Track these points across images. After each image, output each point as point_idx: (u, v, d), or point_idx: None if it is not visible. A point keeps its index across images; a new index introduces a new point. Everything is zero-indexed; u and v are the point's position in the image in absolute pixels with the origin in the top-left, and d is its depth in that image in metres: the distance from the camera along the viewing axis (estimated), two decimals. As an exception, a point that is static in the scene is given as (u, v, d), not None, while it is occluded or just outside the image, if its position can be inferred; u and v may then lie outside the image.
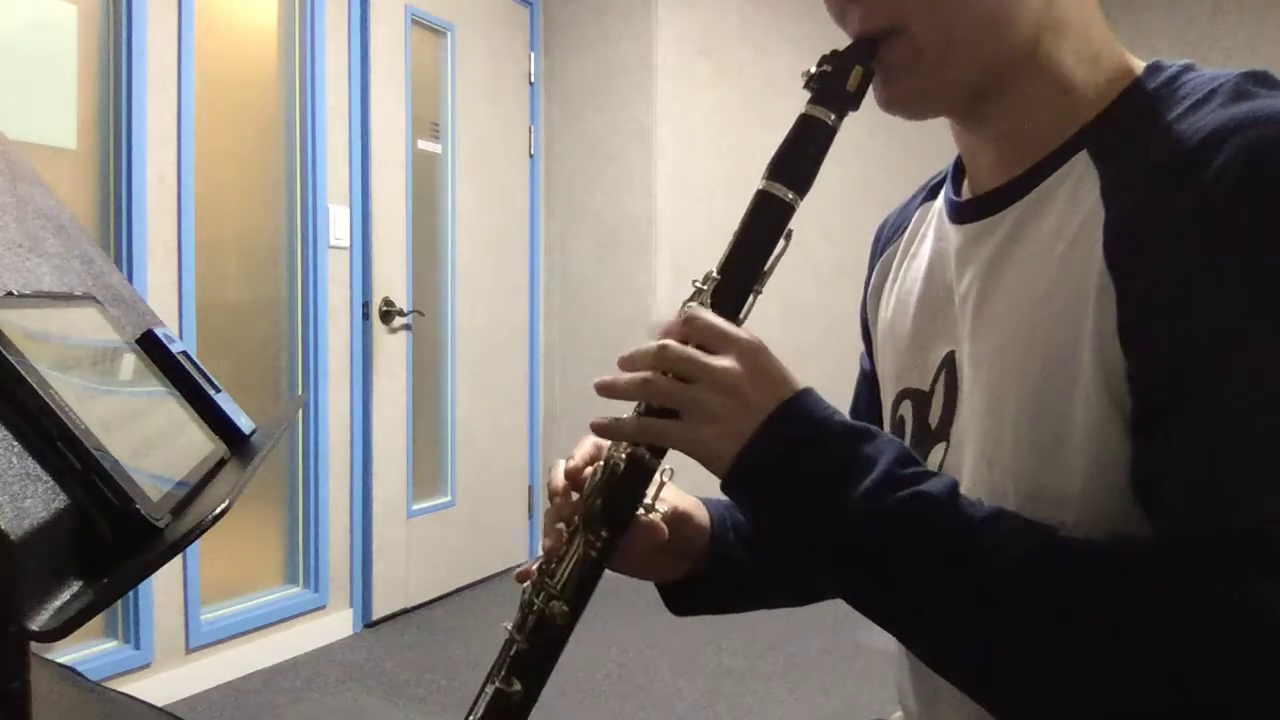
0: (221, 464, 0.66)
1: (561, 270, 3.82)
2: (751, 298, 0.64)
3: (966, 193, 0.70)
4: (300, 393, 2.92)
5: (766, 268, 0.63)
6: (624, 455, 0.64)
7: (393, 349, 3.17)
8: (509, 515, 3.76)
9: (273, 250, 2.88)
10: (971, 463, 0.63)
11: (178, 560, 2.47)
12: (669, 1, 3.54)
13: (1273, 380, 0.48)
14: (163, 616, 2.50)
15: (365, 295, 3.07)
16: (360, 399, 3.08)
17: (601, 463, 0.66)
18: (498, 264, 3.64)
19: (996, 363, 0.62)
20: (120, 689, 1.24)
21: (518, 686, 0.64)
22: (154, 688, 2.44)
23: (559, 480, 0.70)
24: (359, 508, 3.09)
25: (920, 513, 0.54)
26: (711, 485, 0.62)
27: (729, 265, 0.63)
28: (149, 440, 0.58)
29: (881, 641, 0.70)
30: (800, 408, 0.58)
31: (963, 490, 0.56)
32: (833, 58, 0.62)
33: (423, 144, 3.30)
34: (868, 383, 0.84)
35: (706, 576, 0.78)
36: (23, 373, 0.47)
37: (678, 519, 0.75)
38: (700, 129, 3.64)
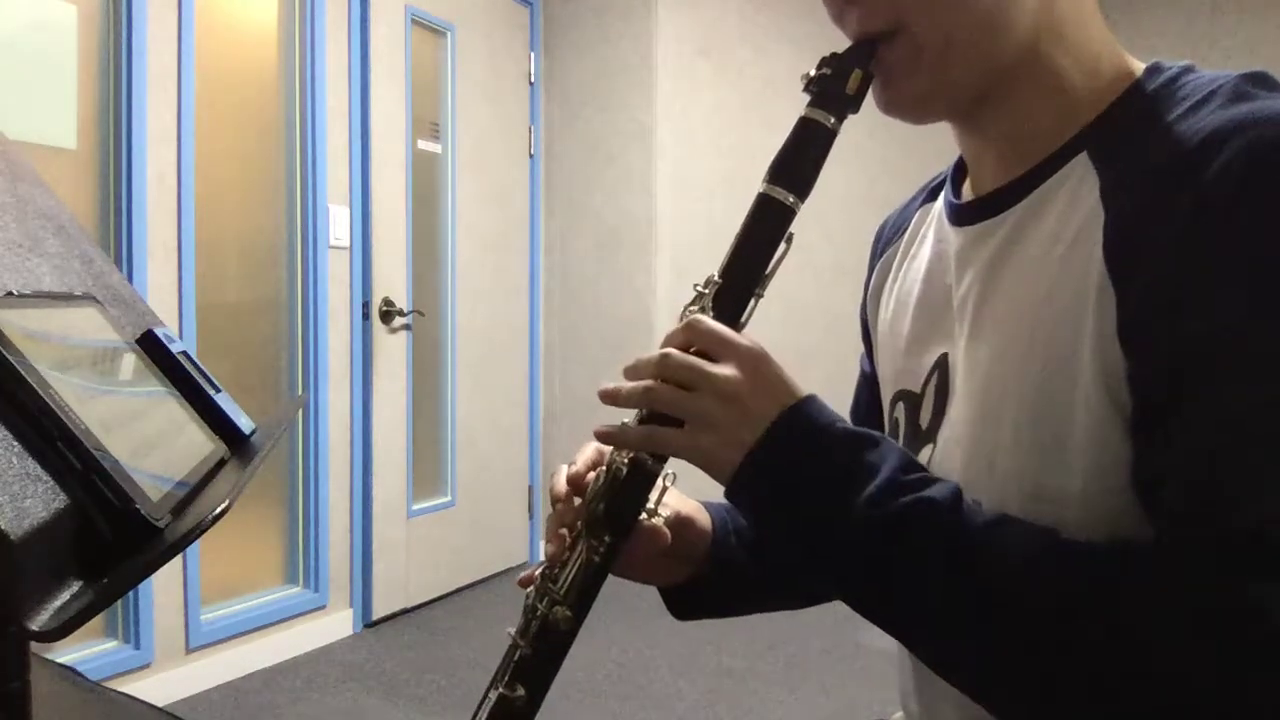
0: (221, 464, 0.66)
1: (561, 270, 3.82)
2: (753, 301, 0.64)
3: (967, 194, 0.70)
4: (300, 393, 2.92)
5: (768, 271, 0.63)
6: (626, 460, 0.64)
7: (393, 349, 3.17)
8: (509, 515, 3.76)
9: (273, 250, 2.88)
10: (964, 464, 0.63)
11: (178, 560, 2.47)
12: (669, 1, 3.54)
13: (1272, 381, 0.48)
14: (163, 616, 2.50)
15: (365, 295, 3.07)
16: (360, 399, 3.08)
17: (604, 468, 0.66)
18: (498, 264, 3.64)
19: (996, 364, 0.62)
20: (120, 689, 1.24)
21: (521, 692, 0.64)
22: (154, 688, 2.44)
23: (561, 485, 0.70)
24: (359, 508, 3.09)
25: (923, 518, 0.54)
26: (714, 489, 0.62)
27: (730, 269, 0.63)
28: (149, 440, 0.58)
29: (881, 642, 0.70)
30: (802, 415, 0.58)
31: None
32: (832, 60, 0.62)
33: (423, 144, 3.30)
34: (868, 384, 0.84)
35: (709, 580, 0.78)
36: (23, 373, 0.47)
37: (680, 524, 0.75)
38: (700, 129, 3.64)
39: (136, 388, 0.65)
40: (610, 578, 0.66)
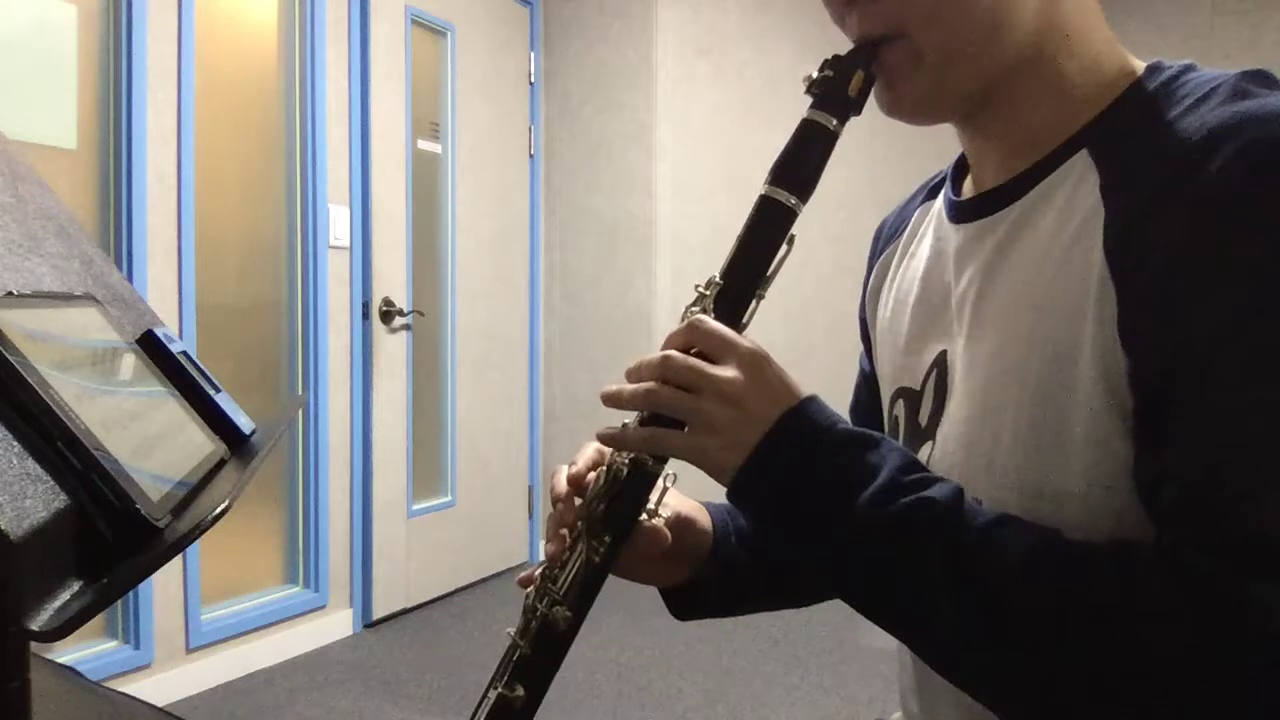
0: (221, 464, 0.66)
1: (561, 270, 3.82)
2: (755, 302, 0.64)
3: (966, 192, 0.70)
4: (300, 393, 2.92)
5: (769, 272, 0.64)
6: (627, 461, 0.64)
7: (393, 349, 3.17)
8: (509, 515, 3.76)
9: (273, 250, 2.88)
10: (963, 462, 0.63)
11: (178, 560, 2.47)
12: (669, 1, 3.54)
13: (1273, 380, 0.48)
14: (163, 616, 2.50)
15: (365, 295, 3.07)
16: (360, 399, 3.08)
17: (604, 468, 0.66)
18: (498, 264, 3.64)
19: (995, 362, 0.62)
20: (120, 689, 1.24)
21: (520, 692, 0.64)
22: (154, 688, 2.44)
23: (562, 485, 0.70)
24: (359, 508, 3.09)
25: (923, 518, 0.54)
26: (715, 489, 0.62)
27: (732, 270, 0.63)
28: (149, 440, 0.58)
29: (882, 642, 0.70)
30: (803, 416, 0.58)
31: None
32: (834, 62, 0.62)
33: (423, 144, 3.30)
34: (867, 383, 0.84)
35: (709, 581, 0.78)
36: (23, 373, 0.47)
37: (680, 524, 0.75)
38: (700, 129, 3.64)
39: (136, 388, 0.65)
40: (610, 577, 0.66)
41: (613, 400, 0.62)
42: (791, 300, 3.65)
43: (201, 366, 0.75)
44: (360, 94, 3.03)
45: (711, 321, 0.61)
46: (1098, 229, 0.55)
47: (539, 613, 0.65)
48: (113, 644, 2.45)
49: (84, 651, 2.36)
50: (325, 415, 2.95)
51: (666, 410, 0.60)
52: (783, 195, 0.63)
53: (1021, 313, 0.60)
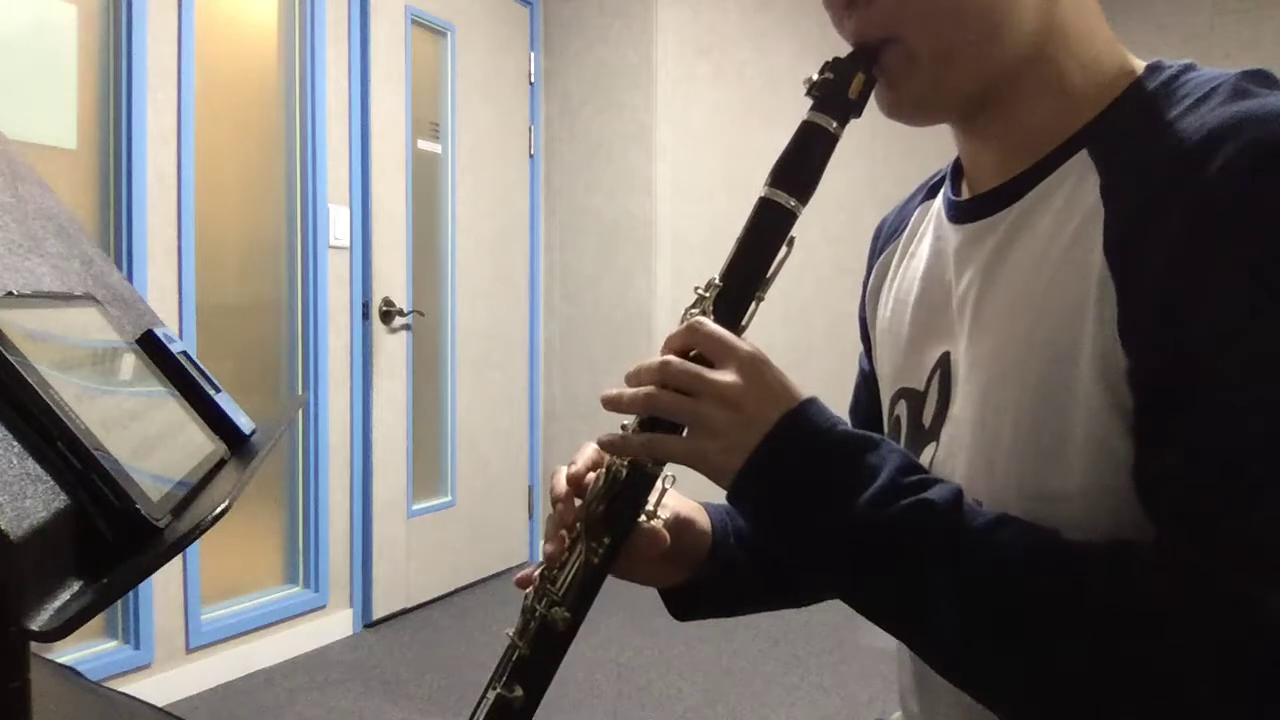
0: (221, 464, 0.66)
1: (561, 270, 3.82)
2: (754, 304, 0.64)
3: (965, 192, 0.70)
4: (300, 393, 2.92)
5: (769, 275, 0.64)
6: (626, 462, 0.64)
7: (393, 349, 3.17)
8: (509, 515, 3.76)
9: (273, 250, 2.88)
10: (966, 463, 0.63)
11: (178, 560, 2.48)
12: (669, 1, 3.54)
13: (1272, 380, 0.48)
14: (163, 616, 2.50)
15: (365, 295, 3.07)
16: (360, 399, 3.08)
17: (604, 469, 0.66)
18: (498, 264, 3.64)
19: (996, 362, 0.62)
20: (120, 689, 1.24)
21: (519, 692, 0.64)
22: (154, 688, 2.44)
23: (561, 486, 0.70)
24: (359, 508, 3.09)
25: (923, 520, 0.54)
26: (713, 490, 0.62)
27: (731, 272, 0.64)
28: (149, 440, 0.58)
29: (882, 642, 0.70)
30: (802, 419, 0.58)
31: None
32: (834, 65, 0.63)
33: (423, 144, 3.30)
34: (867, 383, 0.84)
35: (709, 581, 0.78)
36: (23, 373, 0.47)
37: (679, 525, 0.75)
38: (700, 129, 3.64)
39: (136, 388, 0.65)
40: (610, 577, 0.66)
41: (612, 404, 0.62)
42: (791, 301, 3.65)
43: (201, 366, 0.75)
44: (360, 94, 3.03)
45: (711, 324, 0.61)
46: (1097, 229, 0.55)
47: (537, 613, 0.65)
48: (113, 644, 2.45)
49: (84, 651, 2.36)
50: (325, 415, 2.95)
51: (666, 414, 0.60)
52: (782, 197, 0.63)
53: (1021, 313, 0.60)
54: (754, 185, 0.64)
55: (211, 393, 0.73)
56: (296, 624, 2.88)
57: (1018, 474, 0.59)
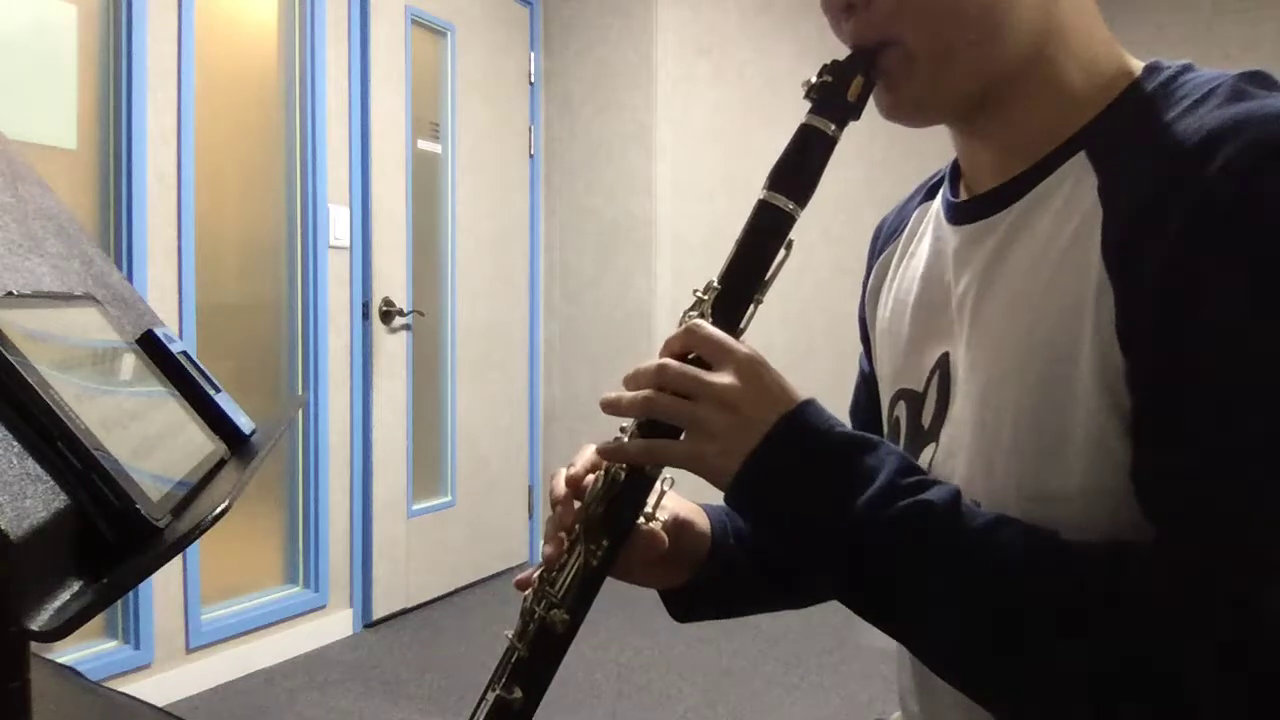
0: (221, 464, 0.66)
1: (561, 270, 3.82)
2: (752, 307, 0.64)
3: (964, 193, 0.70)
4: (300, 393, 2.92)
5: (767, 277, 0.64)
6: (625, 464, 0.64)
7: (393, 349, 3.17)
8: (509, 515, 3.76)
9: (273, 250, 2.88)
10: (965, 464, 0.63)
11: (178, 560, 2.48)
12: (669, 1, 3.54)
13: (1272, 380, 0.48)
14: (163, 616, 2.50)
15: (365, 295, 3.07)
16: (360, 399, 3.08)
17: (602, 471, 0.66)
18: (498, 264, 3.64)
19: (995, 363, 0.62)
20: (120, 689, 1.24)
21: (518, 694, 0.64)
22: (154, 688, 2.44)
23: (560, 488, 0.70)
24: (359, 508, 3.09)
25: (922, 521, 0.54)
26: (712, 491, 0.62)
27: (729, 275, 0.64)
28: (149, 440, 0.58)
29: (881, 642, 0.70)
30: (800, 421, 0.58)
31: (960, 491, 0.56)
32: (833, 68, 0.63)
33: (423, 144, 3.30)
34: (867, 384, 0.84)
35: (708, 583, 0.78)
36: (23, 373, 0.47)
37: (678, 527, 0.75)
38: (700, 129, 3.64)
39: (136, 388, 0.65)
40: (610, 578, 0.66)
41: (611, 407, 0.63)
42: (791, 302, 3.65)
43: (201, 366, 0.75)
44: (360, 94, 3.03)
45: (709, 327, 0.61)
46: (1096, 231, 0.55)
47: (536, 615, 0.65)
48: (113, 644, 2.45)
49: (84, 651, 2.36)
50: (325, 415, 2.95)
51: (664, 417, 0.61)
52: (781, 200, 0.63)
53: (1020, 314, 0.60)
54: (754, 185, 0.64)
55: (211, 393, 0.73)
56: (296, 624, 2.88)
57: (1017, 475, 0.59)
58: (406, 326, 3.21)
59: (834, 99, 0.62)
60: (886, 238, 0.82)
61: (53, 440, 0.46)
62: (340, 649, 2.94)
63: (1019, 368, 0.59)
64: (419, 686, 2.66)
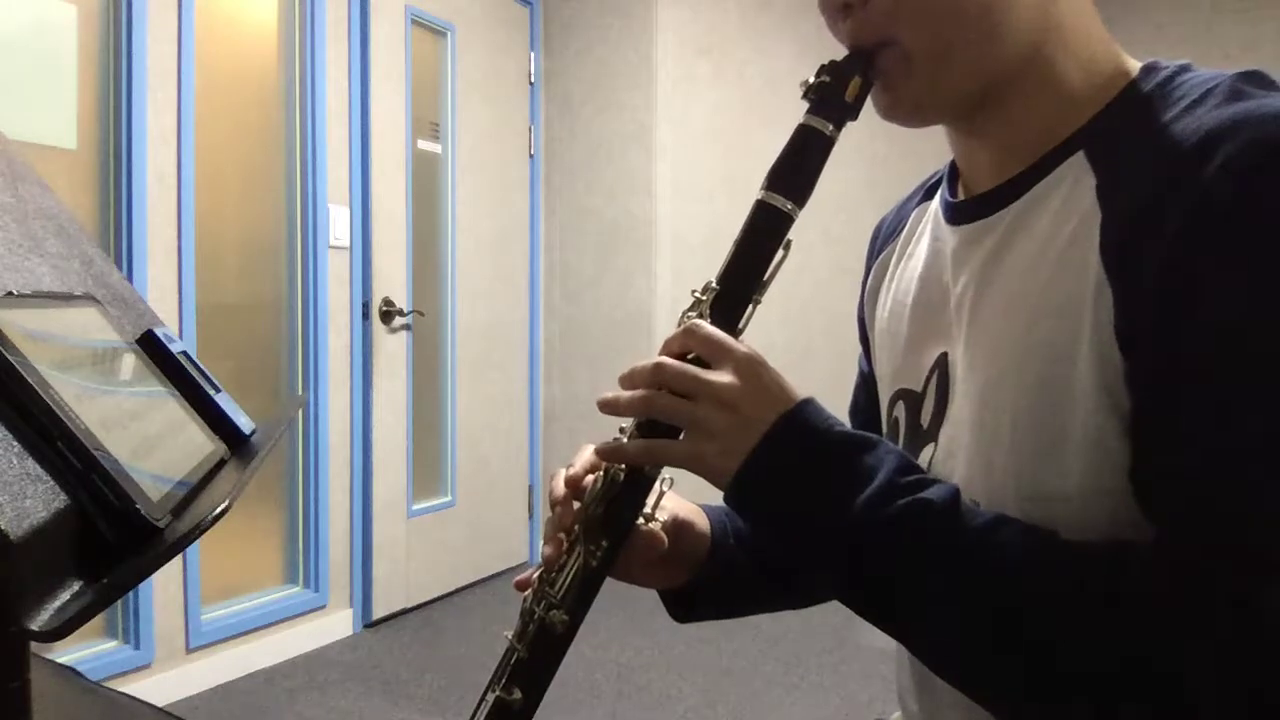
0: (221, 464, 0.67)
1: (561, 270, 3.83)
2: (751, 308, 0.64)
3: (962, 194, 0.70)
4: (300, 393, 2.92)
5: (765, 278, 0.64)
6: (624, 465, 0.64)
7: (393, 349, 3.17)
8: (509, 515, 3.76)
9: (273, 250, 2.88)
10: (964, 463, 0.63)
11: (178, 560, 2.48)
12: (669, 1, 3.54)
13: (1271, 380, 0.48)
14: (163, 616, 2.50)
15: (365, 295, 3.07)
16: (360, 399, 3.08)
17: (601, 472, 0.66)
18: (498, 264, 3.64)
19: (993, 363, 0.62)
20: (120, 689, 1.24)
21: (518, 695, 0.64)
22: (154, 688, 2.44)
23: (560, 489, 0.70)
24: (359, 508, 3.09)
25: (921, 520, 0.54)
26: (711, 492, 0.62)
27: (728, 275, 0.64)
28: (149, 440, 0.58)
29: (881, 642, 0.70)
30: (800, 420, 0.58)
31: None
32: (831, 68, 0.63)
33: (423, 144, 3.30)
34: (866, 384, 0.84)
35: (708, 583, 0.78)
36: (23, 373, 0.47)
37: (678, 527, 0.75)
38: (700, 129, 3.64)
39: (136, 388, 0.65)
40: (610, 578, 0.67)
41: (609, 407, 0.63)
42: (790, 302, 3.65)
43: (201, 366, 0.75)
44: (360, 94, 3.03)
45: (707, 326, 0.61)
46: (1094, 231, 0.55)
47: (536, 616, 0.65)
48: (113, 644, 2.45)
49: (84, 651, 2.36)
50: (325, 415, 2.95)
51: (663, 417, 0.61)
52: (779, 201, 0.63)
53: (1019, 314, 0.60)
54: (754, 185, 0.64)
55: (211, 393, 0.73)
56: (296, 624, 2.88)
57: (1015, 474, 0.59)
58: (406, 326, 3.21)
59: (832, 99, 0.62)
60: (885, 238, 0.82)
61: (53, 440, 0.46)
62: (340, 649, 2.94)
63: (1017, 368, 0.59)
64: (419, 686, 2.66)
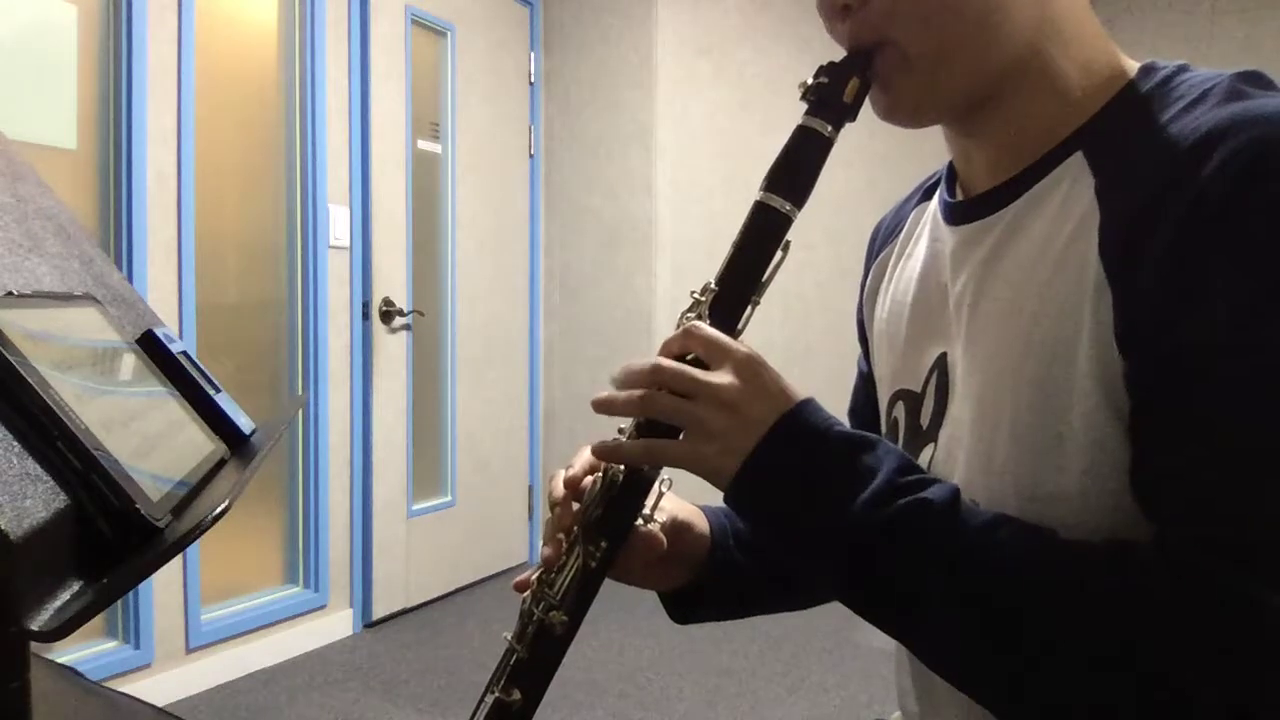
0: (221, 464, 0.67)
1: (561, 270, 3.83)
2: (750, 308, 0.64)
3: (960, 194, 0.70)
4: (300, 393, 2.92)
5: (764, 279, 0.64)
6: (623, 466, 0.64)
7: (393, 349, 3.17)
8: (509, 515, 3.76)
9: (273, 250, 2.88)
10: (964, 464, 0.63)
11: (178, 560, 2.48)
12: (669, 1, 3.54)
13: (1271, 380, 0.48)
14: (163, 616, 2.50)
15: (365, 295, 3.07)
16: (360, 399, 3.08)
17: (601, 473, 0.66)
18: (498, 264, 3.64)
19: (993, 364, 0.62)
20: (120, 689, 1.24)
21: (517, 695, 0.64)
22: (154, 688, 2.44)
23: (559, 489, 0.70)
24: (359, 508, 3.09)
25: (921, 520, 0.54)
26: (712, 493, 0.62)
27: (727, 276, 0.64)
28: (149, 440, 0.58)
29: (881, 642, 0.70)
30: (799, 420, 0.58)
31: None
32: (829, 69, 0.63)
33: (423, 144, 3.30)
34: (866, 385, 0.84)
35: (708, 584, 0.78)
36: (23, 373, 0.47)
37: (677, 529, 0.75)
38: (700, 129, 3.64)
39: (136, 388, 0.65)
40: (610, 578, 0.67)
41: (604, 407, 0.62)
42: (791, 301, 3.65)
43: (201, 366, 0.75)
44: (360, 94, 3.03)
45: (706, 327, 0.61)
46: (1093, 231, 0.55)
47: (535, 617, 0.65)
48: (113, 644, 2.45)
49: (84, 651, 2.36)
50: (325, 415, 2.95)
51: (663, 417, 0.60)
52: (777, 202, 0.63)
53: (1018, 315, 0.60)
54: (754, 185, 0.64)
55: (211, 393, 0.73)
56: (296, 624, 2.88)
57: (1015, 474, 0.59)
58: (406, 326, 3.21)
59: (830, 100, 0.62)
60: (884, 238, 0.82)
61: (53, 440, 0.46)
62: (340, 649, 2.94)
63: (1016, 368, 0.59)
64: (419, 686, 2.66)
